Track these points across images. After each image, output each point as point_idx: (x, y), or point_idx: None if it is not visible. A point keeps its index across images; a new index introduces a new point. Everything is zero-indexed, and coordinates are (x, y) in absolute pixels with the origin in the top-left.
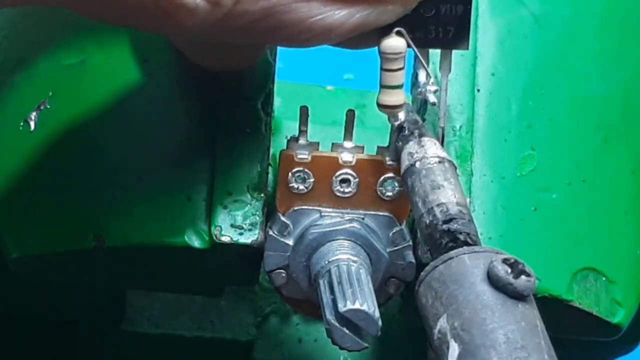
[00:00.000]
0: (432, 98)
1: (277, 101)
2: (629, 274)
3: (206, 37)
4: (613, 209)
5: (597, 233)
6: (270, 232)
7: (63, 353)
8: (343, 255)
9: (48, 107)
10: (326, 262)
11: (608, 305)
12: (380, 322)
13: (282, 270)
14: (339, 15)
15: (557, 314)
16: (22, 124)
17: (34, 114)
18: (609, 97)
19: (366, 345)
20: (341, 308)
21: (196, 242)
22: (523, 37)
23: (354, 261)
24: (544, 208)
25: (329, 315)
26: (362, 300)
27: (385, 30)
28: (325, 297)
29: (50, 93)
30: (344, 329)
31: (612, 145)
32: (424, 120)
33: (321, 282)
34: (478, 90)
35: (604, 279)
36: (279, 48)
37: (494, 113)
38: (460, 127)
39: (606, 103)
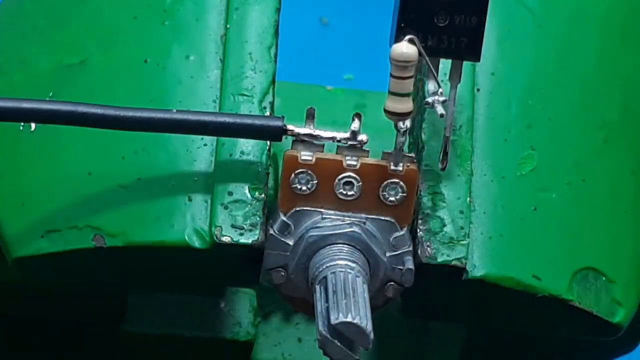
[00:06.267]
0: (440, 109)
1: (277, 101)
2: (629, 274)
3: None
4: (613, 209)
5: (597, 233)
6: (271, 232)
7: (63, 353)
8: (341, 262)
9: None
10: (324, 267)
11: (608, 305)
12: (372, 336)
13: (281, 269)
14: None
15: (557, 314)
16: (22, 124)
17: None
18: (609, 97)
19: (357, 357)
20: (333, 320)
21: (196, 242)
22: (523, 37)
23: (352, 268)
24: (544, 208)
25: (322, 326)
26: (355, 313)
27: (397, 38)
28: (320, 306)
29: (51, 93)
30: (335, 341)
31: (612, 145)
32: (423, 119)
33: (317, 287)
34: (478, 90)
35: (604, 278)
36: (279, 48)
37: (494, 113)
38: (460, 126)
39: (606, 103)
